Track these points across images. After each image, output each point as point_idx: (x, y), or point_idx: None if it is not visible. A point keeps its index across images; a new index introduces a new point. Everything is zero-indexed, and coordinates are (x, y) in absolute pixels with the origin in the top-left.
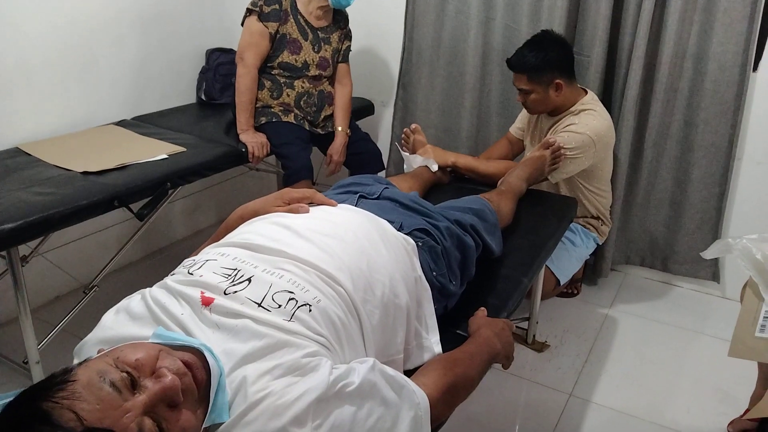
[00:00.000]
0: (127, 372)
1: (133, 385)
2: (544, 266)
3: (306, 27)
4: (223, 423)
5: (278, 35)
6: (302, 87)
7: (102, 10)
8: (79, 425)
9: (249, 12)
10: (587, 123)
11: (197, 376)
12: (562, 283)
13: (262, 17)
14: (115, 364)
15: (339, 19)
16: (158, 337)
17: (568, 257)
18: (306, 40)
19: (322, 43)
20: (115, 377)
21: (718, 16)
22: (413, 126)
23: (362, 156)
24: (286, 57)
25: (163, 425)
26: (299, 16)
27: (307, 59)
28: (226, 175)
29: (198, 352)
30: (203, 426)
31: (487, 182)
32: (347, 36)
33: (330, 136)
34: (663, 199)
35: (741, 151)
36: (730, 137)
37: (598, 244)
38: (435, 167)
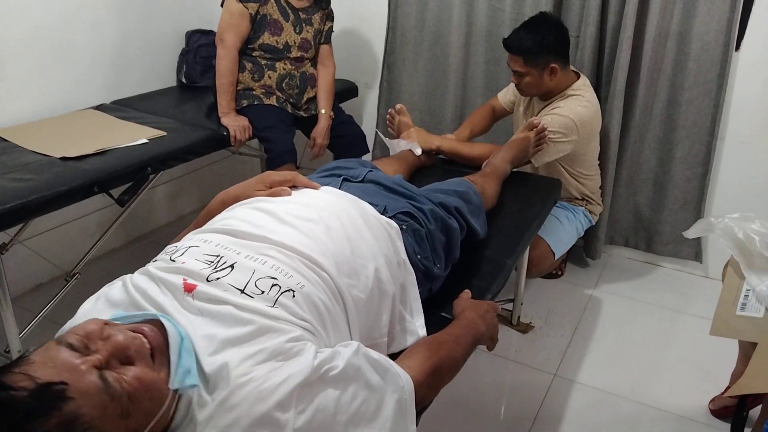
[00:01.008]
0: (81, 336)
1: (87, 348)
2: (542, 241)
3: (287, 8)
4: (195, 386)
5: (258, 16)
6: (284, 69)
7: None
8: (32, 383)
9: None
10: (572, 107)
11: (151, 340)
12: (557, 256)
13: None
14: (69, 333)
15: None
16: (117, 317)
17: (563, 230)
18: (287, 21)
19: (304, 24)
20: (71, 340)
21: None
22: (398, 106)
23: (346, 139)
24: (266, 38)
25: (119, 377)
26: None
27: (288, 41)
28: (208, 160)
29: (156, 322)
30: (172, 387)
31: (472, 165)
32: (329, 16)
33: (313, 119)
34: (647, 179)
35: (724, 131)
36: (712, 117)
37: (591, 224)
38: (419, 151)
